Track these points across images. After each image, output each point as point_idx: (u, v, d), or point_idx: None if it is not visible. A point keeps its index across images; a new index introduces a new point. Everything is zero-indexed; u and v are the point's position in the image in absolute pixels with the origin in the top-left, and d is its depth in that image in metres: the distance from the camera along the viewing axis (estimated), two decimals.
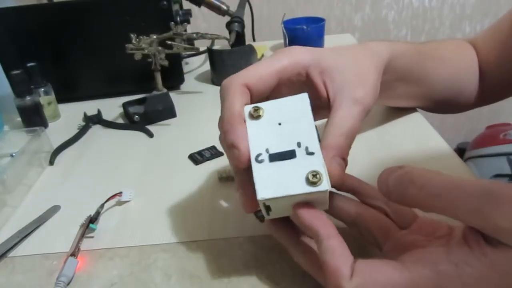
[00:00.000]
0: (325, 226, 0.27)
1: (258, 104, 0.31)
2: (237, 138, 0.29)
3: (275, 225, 0.32)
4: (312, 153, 0.28)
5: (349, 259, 0.26)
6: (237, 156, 0.29)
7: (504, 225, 0.22)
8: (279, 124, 0.30)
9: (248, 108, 0.31)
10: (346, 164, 0.31)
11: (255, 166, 0.28)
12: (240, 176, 0.31)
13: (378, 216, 0.32)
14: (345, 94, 0.32)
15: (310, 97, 0.31)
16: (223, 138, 0.32)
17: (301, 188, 0.27)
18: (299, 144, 0.28)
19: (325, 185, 0.26)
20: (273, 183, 0.27)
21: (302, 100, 0.31)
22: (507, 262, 0.23)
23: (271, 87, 0.33)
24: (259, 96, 0.33)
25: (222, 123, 0.31)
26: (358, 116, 0.32)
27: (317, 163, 0.27)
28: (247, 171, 0.29)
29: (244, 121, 0.31)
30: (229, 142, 0.30)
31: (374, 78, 0.35)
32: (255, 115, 0.30)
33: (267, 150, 0.29)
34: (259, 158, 0.28)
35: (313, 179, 0.26)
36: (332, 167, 0.29)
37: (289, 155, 0.28)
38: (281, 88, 0.34)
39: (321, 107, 0.34)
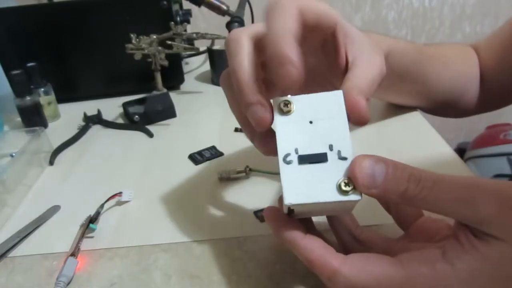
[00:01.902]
0: (292, 230, 0.28)
1: (289, 98, 0.28)
2: (292, 51, 0.26)
3: (276, 222, 0.32)
4: (344, 158, 0.26)
5: (330, 249, 0.26)
6: (263, 115, 0.27)
7: (488, 212, 0.23)
8: (310, 122, 0.27)
9: (278, 101, 0.28)
10: (369, 105, 0.29)
11: (283, 167, 0.27)
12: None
13: (380, 238, 0.32)
14: (365, 57, 0.31)
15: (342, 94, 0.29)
16: (238, 78, 0.28)
17: (332, 196, 0.25)
18: (331, 147, 0.27)
19: (357, 194, 0.25)
20: (302, 188, 0.26)
21: (336, 98, 0.28)
22: (498, 254, 0.23)
23: (316, 26, 0.30)
24: (302, 31, 0.29)
25: (273, 37, 0.27)
26: (377, 75, 0.31)
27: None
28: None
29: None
30: (282, 54, 0.26)
31: (383, 56, 0.34)
32: (285, 110, 0.28)
33: (296, 151, 0.27)
34: (288, 159, 0.27)
35: (345, 187, 0.25)
36: (359, 100, 0.27)
37: (320, 158, 0.26)
38: (305, 39, 0.31)
39: (326, 75, 0.33)
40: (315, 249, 0.27)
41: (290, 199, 0.26)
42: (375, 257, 0.26)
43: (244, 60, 0.28)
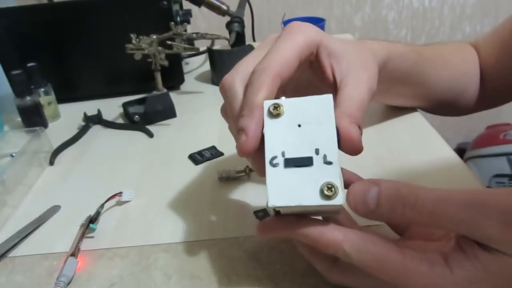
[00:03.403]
0: (284, 226, 0.28)
1: (278, 101, 0.28)
2: (251, 124, 0.28)
3: (270, 232, 0.31)
4: (330, 163, 0.26)
5: (328, 224, 0.27)
6: (243, 143, 0.28)
7: (493, 232, 0.23)
8: (299, 125, 0.28)
9: (268, 104, 0.28)
10: (361, 133, 0.30)
11: (269, 170, 0.27)
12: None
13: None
14: (352, 76, 0.32)
15: (333, 98, 0.29)
16: (235, 121, 0.30)
17: (314, 199, 0.26)
18: (317, 151, 0.27)
19: (339, 199, 0.25)
20: (286, 190, 0.26)
21: (325, 101, 0.28)
22: (500, 266, 0.23)
23: (294, 72, 0.31)
24: (283, 83, 0.31)
25: (243, 106, 0.30)
26: (366, 94, 0.31)
27: (334, 174, 0.26)
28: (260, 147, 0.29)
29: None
30: (241, 126, 0.28)
31: (375, 68, 0.35)
32: (275, 113, 0.28)
33: (283, 154, 0.27)
34: (274, 162, 0.27)
35: (327, 192, 0.25)
36: (351, 131, 0.28)
37: (306, 162, 0.27)
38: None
39: (321, 89, 0.33)
40: (314, 229, 0.27)
41: (273, 201, 0.26)
42: (380, 239, 0.26)
43: (255, 95, 0.29)
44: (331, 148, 0.27)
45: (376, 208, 0.26)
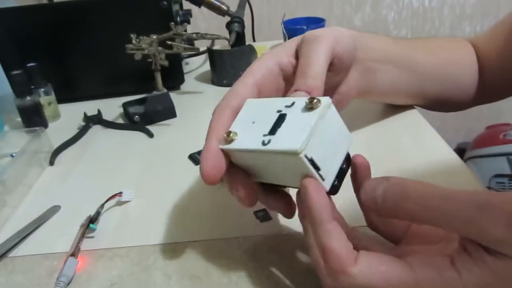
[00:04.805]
0: (328, 208, 0.27)
1: (230, 129, 0.31)
2: (207, 167, 0.30)
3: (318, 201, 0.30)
4: (292, 103, 0.29)
5: (350, 245, 0.26)
6: (243, 200, 0.31)
7: (498, 235, 0.22)
8: (253, 122, 0.30)
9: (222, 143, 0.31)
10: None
11: (263, 148, 0.28)
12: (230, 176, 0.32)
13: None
14: (304, 46, 0.36)
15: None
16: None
17: (314, 120, 0.27)
18: (279, 111, 0.29)
19: (326, 101, 0.27)
20: (292, 138, 0.27)
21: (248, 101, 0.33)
22: (508, 271, 0.23)
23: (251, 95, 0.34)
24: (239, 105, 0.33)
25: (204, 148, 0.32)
26: (324, 53, 0.35)
27: (302, 99, 0.29)
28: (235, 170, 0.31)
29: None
30: (200, 167, 0.31)
31: (336, 30, 0.38)
32: (229, 140, 0.30)
33: (263, 135, 0.28)
34: (266, 141, 0.28)
35: (309, 104, 0.27)
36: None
37: (281, 119, 0.29)
38: None
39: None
40: (338, 239, 0.26)
41: (295, 147, 0.26)
42: (386, 258, 0.26)
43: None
44: (282, 103, 0.30)
45: (382, 203, 0.26)
